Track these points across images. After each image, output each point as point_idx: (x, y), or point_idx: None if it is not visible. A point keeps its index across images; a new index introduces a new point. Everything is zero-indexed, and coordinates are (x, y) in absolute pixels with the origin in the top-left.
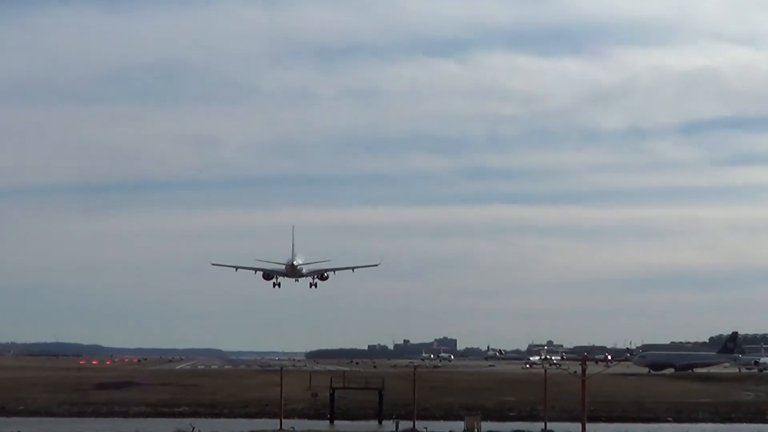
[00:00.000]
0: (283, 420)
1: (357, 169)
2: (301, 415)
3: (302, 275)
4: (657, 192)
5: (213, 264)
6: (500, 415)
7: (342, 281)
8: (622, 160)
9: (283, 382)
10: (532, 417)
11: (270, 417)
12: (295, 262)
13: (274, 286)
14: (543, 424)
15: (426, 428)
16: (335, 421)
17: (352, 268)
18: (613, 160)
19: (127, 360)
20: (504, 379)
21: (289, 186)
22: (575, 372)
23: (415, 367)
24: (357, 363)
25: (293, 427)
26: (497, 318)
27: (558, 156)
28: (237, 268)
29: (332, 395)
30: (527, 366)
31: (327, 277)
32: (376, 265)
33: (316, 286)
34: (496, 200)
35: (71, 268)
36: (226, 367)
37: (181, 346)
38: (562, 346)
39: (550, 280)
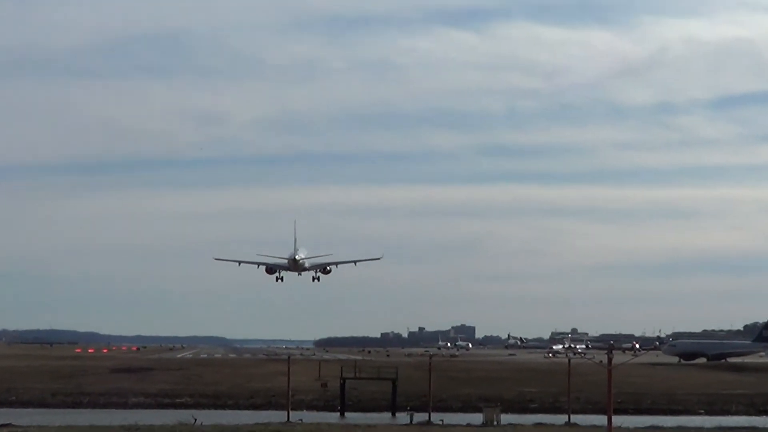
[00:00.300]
0: (290, 412)
1: (369, 146)
2: (310, 407)
3: (305, 269)
4: (688, 171)
5: (216, 259)
6: (521, 406)
7: (353, 265)
8: (650, 137)
9: (291, 372)
10: (554, 409)
11: (277, 409)
12: (297, 257)
13: (276, 280)
14: (566, 416)
15: (442, 420)
16: (346, 413)
17: (354, 262)
18: (640, 137)
19: (125, 348)
20: (525, 368)
21: (297, 164)
22: (601, 361)
23: (430, 356)
24: (369, 351)
25: (301, 420)
26: (518, 304)
27: (582, 133)
28: (240, 262)
29: (343, 386)
30: (550, 355)
31: (329, 271)
32: (377, 259)
33: (318, 279)
34: (516, 180)
35: (66, 252)
36: (231, 355)
37: (182, 334)
38: (586, 334)
39: (574, 264)
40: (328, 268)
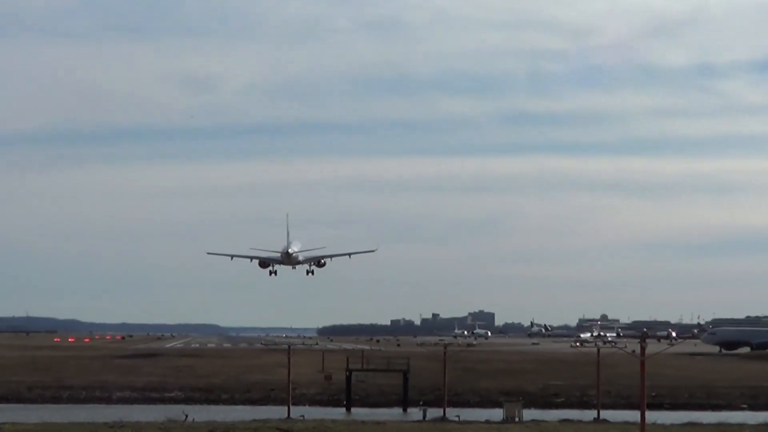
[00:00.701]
0: (291, 407)
1: (377, 114)
2: (313, 402)
3: (298, 263)
4: (730, 140)
5: (208, 253)
6: (545, 401)
7: (364, 245)
8: (688, 102)
9: (292, 363)
10: (582, 404)
11: (276, 404)
12: (290, 250)
13: (270, 274)
14: (595, 411)
15: (458, 417)
16: (352, 409)
17: (349, 255)
18: (678, 103)
19: (109, 337)
20: (550, 359)
21: (297, 135)
22: (633, 351)
23: (445, 346)
24: (378, 341)
25: (303, 416)
26: (542, 288)
27: (613, 98)
28: (232, 256)
29: (349, 378)
30: (577, 344)
31: (324, 264)
32: (372, 251)
33: (312, 273)
34: (541, 150)
35: (43, 231)
36: (225, 345)
37: (171, 321)
38: (618, 321)
39: (604, 243)
40: (323, 261)
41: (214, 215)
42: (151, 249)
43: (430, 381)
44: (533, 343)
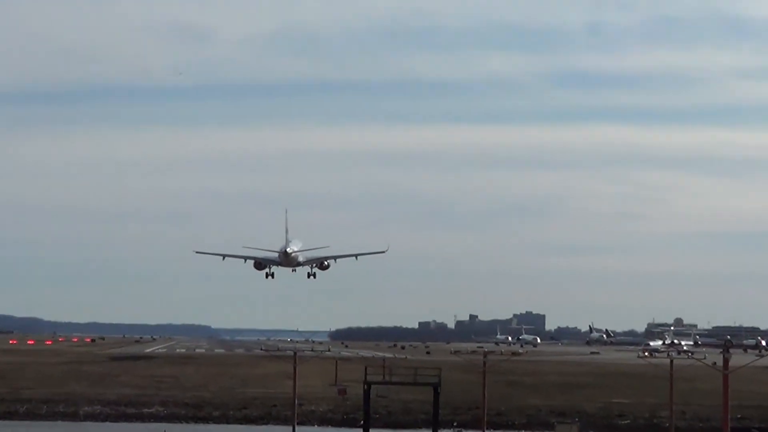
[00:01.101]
0: (297, 427)
1: (403, 73)
2: (323, 421)
3: (299, 264)
4: None
5: (196, 252)
6: (607, 423)
7: (383, 232)
8: None
9: (299, 374)
10: (652, 426)
11: (279, 422)
12: (288, 249)
13: (267, 277)
14: None
15: None
16: (371, 430)
17: (356, 256)
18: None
19: (75, 339)
20: (612, 372)
21: (306, 96)
22: (714, 363)
23: (485, 354)
24: (403, 347)
25: None
26: (603, 285)
27: (689, 57)
28: (224, 256)
29: (367, 393)
30: (645, 354)
31: (327, 266)
32: (382, 252)
33: (314, 276)
34: (603, 118)
35: None
36: (217, 350)
37: (152, 321)
38: (695, 326)
39: (679, 231)
40: (326, 262)
41: (203, 193)
42: (127, 233)
43: (466, 397)
44: (592, 352)
